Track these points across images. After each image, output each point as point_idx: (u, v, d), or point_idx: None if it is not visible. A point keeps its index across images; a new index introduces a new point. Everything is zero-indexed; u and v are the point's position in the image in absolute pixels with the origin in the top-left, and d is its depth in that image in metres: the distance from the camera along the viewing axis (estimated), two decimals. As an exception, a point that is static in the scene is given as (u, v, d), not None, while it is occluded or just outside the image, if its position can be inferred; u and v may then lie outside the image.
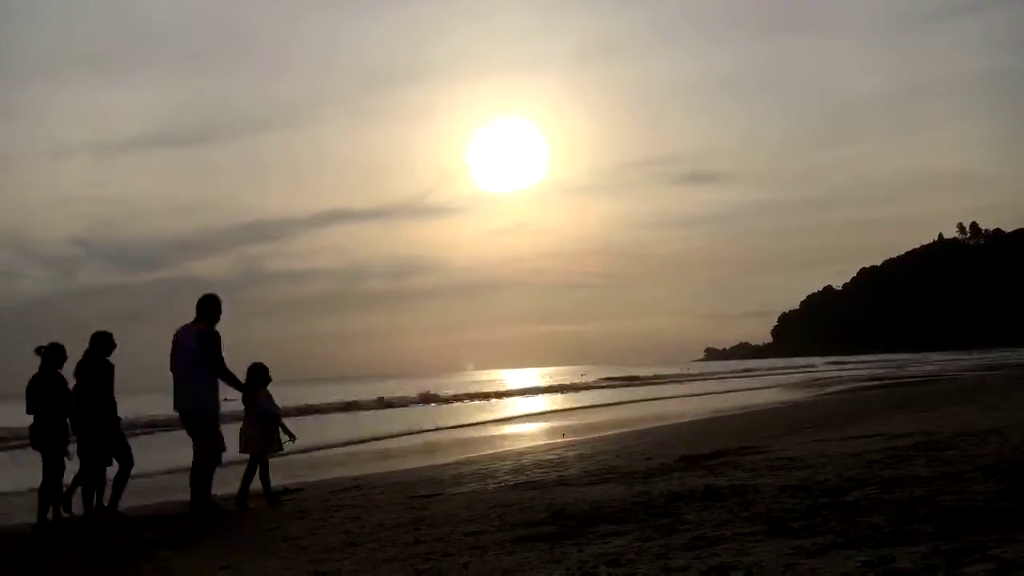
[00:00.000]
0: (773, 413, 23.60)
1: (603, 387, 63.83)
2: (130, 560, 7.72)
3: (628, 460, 12.11)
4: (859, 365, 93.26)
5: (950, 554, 4.50)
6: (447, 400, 51.52)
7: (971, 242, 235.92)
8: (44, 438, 10.75)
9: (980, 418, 13.12)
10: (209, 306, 10.52)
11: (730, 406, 30.62)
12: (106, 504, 11.18)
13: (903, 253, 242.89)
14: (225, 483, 11.78)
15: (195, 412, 10.23)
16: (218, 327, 10.49)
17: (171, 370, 10.35)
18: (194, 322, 10.46)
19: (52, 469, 10.69)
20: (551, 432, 24.07)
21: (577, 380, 77.60)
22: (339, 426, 32.26)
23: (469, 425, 29.99)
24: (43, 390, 10.83)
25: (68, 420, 10.97)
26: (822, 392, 37.94)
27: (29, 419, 10.88)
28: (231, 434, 11.08)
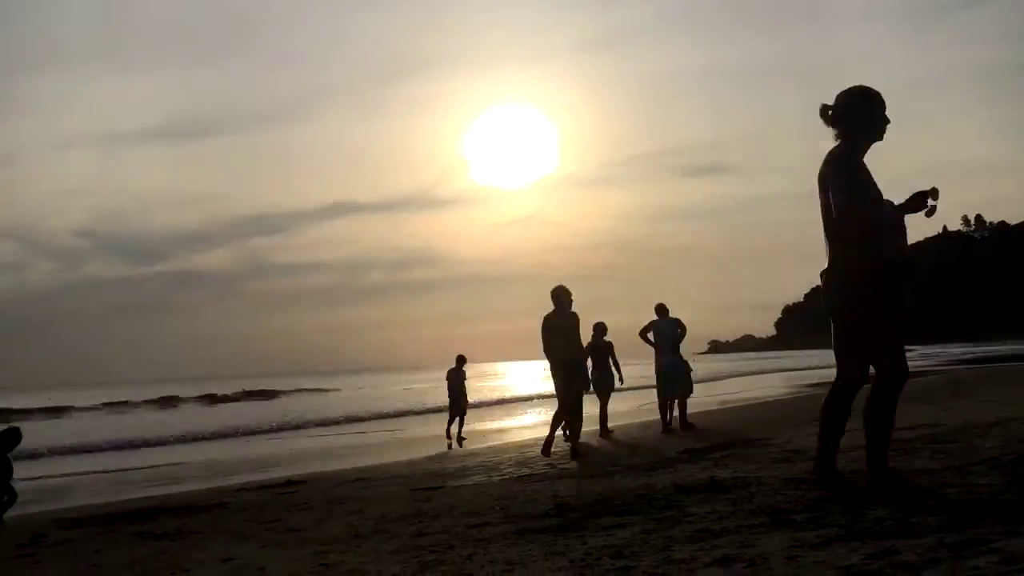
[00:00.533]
0: (778, 405, 23.59)
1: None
2: (134, 551, 7.74)
3: (632, 452, 12.12)
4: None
5: (954, 547, 4.49)
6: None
7: (976, 234, 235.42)
8: None
9: (985, 411, 13.09)
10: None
11: (734, 398, 30.62)
12: None
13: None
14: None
15: None
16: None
17: None
18: None
19: None
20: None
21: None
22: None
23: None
24: None
25: None
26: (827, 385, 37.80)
27: None
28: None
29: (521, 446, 15.79)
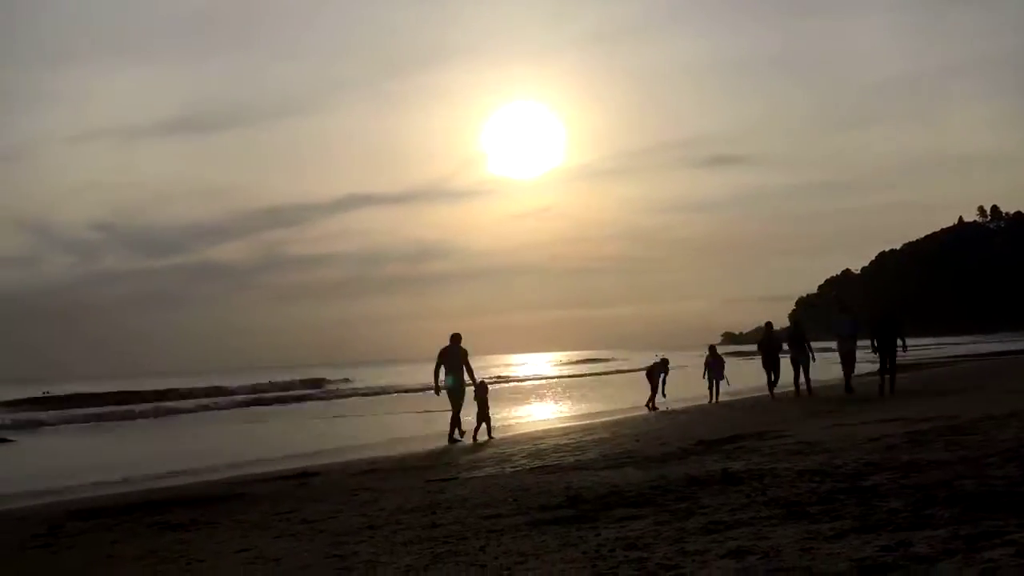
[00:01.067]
0: (792, 397, 23.49)
1: (622, 371, 63.71)
2: (150, 542, 7.79)
3: (645, 444, 12.11)
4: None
5: (969, 539, 4.47)
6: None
7: (992, 225, 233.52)
8: None
9: (1000, 402, 13.02)
10: None
11: (746, 389, 30.52)
12: None
13: (922, 236, 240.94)
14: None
15: None
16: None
17: None
18: None
19: None
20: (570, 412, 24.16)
21: (596, 364, 77.53)
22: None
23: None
24: None
25: None
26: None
27: None
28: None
29: (534, 438, 15.80)
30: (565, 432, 16.55)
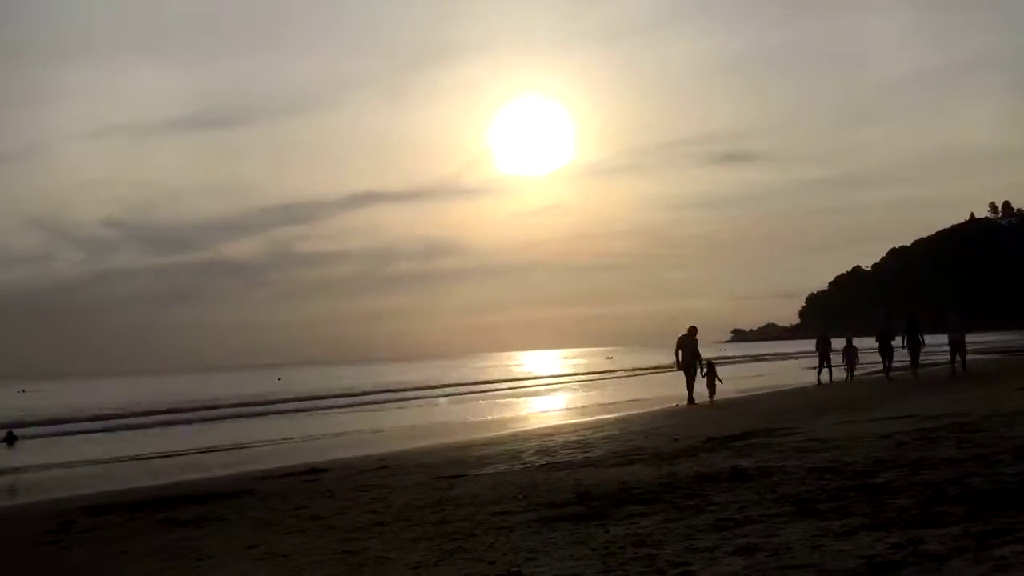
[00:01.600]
0: (801, 394, 23.46)
1: (628, 369, 63.67)
2: (161, 538, 7.82)
3: (655, 441, 12.10)
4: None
5: (980, 536, 4.46)
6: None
7: (1003, 221, 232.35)
8: None
9: (1011, 399, 12.97)
10: None
11: (757, 386, 30.48)
12: None
13: (933, 233, 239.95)
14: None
15: None
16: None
17: None
18: None
19: None
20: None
21: (604, 361, 77.52)
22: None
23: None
24: None
25: None
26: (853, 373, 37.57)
27: None
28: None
29: (543, 435, 15.80)
30: (574, 429, 16.55)
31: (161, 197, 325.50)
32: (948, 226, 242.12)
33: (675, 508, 6.36)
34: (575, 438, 13.98)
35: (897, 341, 25.16)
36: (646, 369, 58.81)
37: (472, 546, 5.84)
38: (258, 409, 36.97)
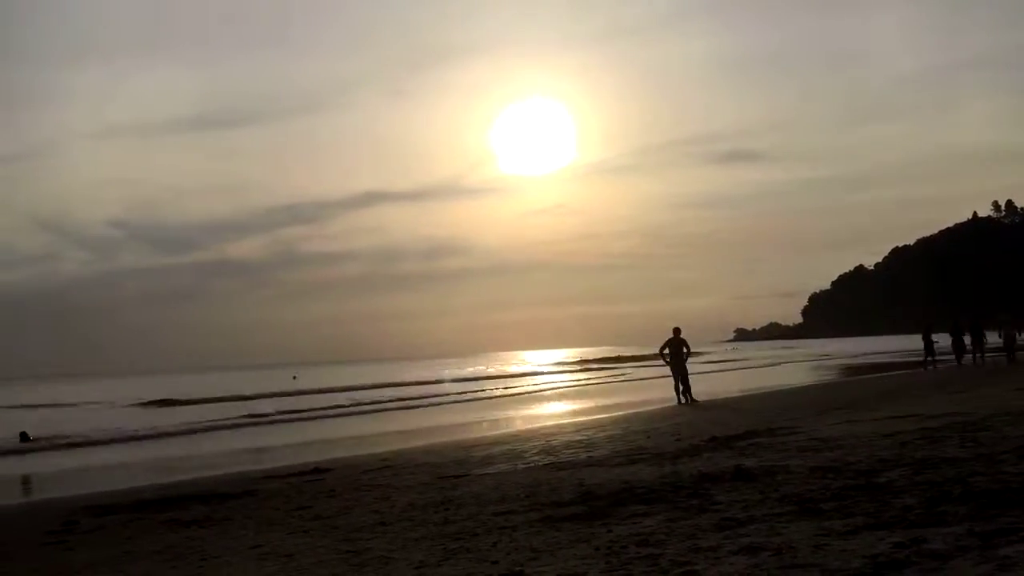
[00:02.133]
0: (805, 393, 23.46)
1: (635, 367, 63.65)
2: (164, 538, 7.83)
3: (658, 441, 12.09)
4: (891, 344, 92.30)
5: (984, 535, 4.46)
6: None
7: (1006, 220, 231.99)
8: None
9: (1014, 399, 12.96)
10: None
11: (761, 386, 30.48)
12: None
13: (936, 232, 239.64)
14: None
15: None
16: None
17: None
18: None
19: None
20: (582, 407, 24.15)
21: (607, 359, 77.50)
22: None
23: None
24: None
25: None
26: (855, 373, 37.60)
27: None
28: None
29: (546, 435, 15.79)
30: (577, 428, 16.54)
31: (166, 197, 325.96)
32: (951, 225, 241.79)
33: (678, 508, 6.36)
34: (578, 438, 13.98)
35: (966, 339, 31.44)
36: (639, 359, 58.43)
37: (475, 546, 5.85)
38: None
